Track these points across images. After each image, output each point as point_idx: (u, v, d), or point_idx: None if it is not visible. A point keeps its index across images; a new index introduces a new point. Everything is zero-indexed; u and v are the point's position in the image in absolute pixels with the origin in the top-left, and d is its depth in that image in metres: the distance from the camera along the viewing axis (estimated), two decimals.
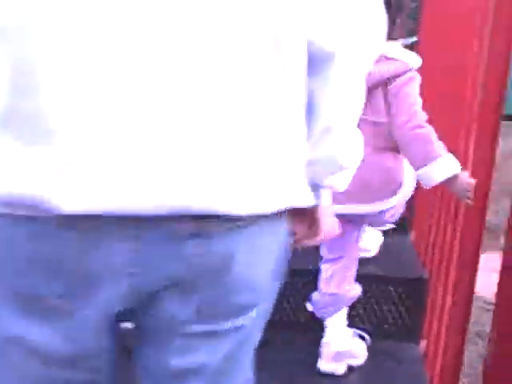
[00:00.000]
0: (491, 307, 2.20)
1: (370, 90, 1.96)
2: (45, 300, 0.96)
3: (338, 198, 1.64)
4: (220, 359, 1.08)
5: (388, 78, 2.07)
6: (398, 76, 2.07)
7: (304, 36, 0.98)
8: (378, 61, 1.95)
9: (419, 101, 2.08)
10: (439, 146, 2.04)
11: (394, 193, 2.17)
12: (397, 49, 2.09)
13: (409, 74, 2.08)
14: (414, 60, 2.10)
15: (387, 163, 2.15)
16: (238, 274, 1.00)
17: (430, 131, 2.04)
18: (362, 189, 2.03)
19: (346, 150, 1.12)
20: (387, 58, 2.05)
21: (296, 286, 2.39)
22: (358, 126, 1.50)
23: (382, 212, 2.19)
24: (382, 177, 2.15)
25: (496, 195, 2.82)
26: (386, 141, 2.12)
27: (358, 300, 2.30)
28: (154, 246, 0.94)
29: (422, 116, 2.06)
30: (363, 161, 1.52)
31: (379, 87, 2.07)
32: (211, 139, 0.93)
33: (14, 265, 0.94)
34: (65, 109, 0.88)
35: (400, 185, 2.17)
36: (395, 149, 2.14)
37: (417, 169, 2.08)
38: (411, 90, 2.08)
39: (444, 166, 2.06)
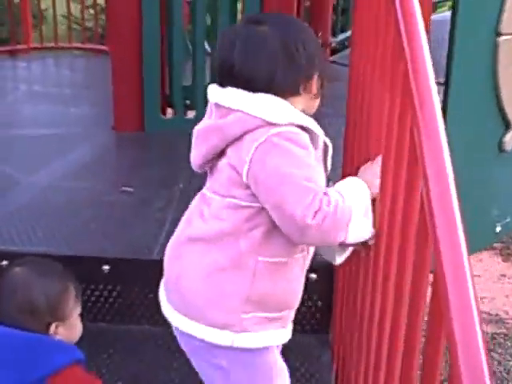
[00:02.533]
0: None
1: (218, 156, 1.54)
2: None
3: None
4: None
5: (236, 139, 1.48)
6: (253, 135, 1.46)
7: None
8: (222, 115, 1.52)
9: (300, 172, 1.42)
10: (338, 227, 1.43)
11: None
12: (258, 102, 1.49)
13: (272, 134, 1.44)
14: (282, 113, 1.47)
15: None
16: None
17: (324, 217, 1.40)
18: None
19: None
20: (231, 110, 1.50)
21: None
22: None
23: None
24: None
25: None
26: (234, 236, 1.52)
27: None
28: None
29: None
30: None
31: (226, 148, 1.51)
32: None
33: None
34: None
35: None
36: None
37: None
38: (278, 159, 1.43)
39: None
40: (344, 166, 2.05)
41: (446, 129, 2.24)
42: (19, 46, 5.51)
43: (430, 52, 2.38)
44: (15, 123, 3.78)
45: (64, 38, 5.66)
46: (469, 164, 2.36)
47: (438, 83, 2.60)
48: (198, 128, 1.59)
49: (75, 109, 4.05)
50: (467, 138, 2.34)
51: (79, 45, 5.58)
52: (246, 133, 1.45)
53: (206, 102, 2.91)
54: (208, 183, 1.60)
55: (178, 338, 1.65)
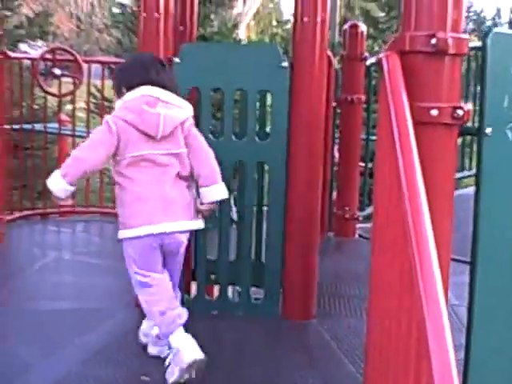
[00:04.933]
0: None
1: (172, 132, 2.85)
2: None
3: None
4: None
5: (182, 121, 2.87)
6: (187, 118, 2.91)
7: None
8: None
9: None
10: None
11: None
12: (177, 98, 2.90)
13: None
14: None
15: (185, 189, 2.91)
16: None
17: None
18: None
19: None
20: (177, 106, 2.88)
21: None
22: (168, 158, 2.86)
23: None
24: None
25: None
26: (183, 169, 2.89)
27: None
28: None
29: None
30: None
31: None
32: None
33: None
34: None
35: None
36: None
37: (207, 185, 2.93)
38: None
39: (223, 188, 2.99)
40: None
41: (473, 322, 2.16)
42: (50, 210, 5.64)
43: (456, 228, 2.36)
44: (37, 296, 3.77)
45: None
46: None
47: (464, 261, 2.55)
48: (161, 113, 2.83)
49: (101, 280, 4.05)
50: (498, 337, 2.24)
51: (109, 210, 5.69)
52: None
53: (229, 279, 3.62)
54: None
55: (173, 241, 2.86)
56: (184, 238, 2.90)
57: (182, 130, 2.86)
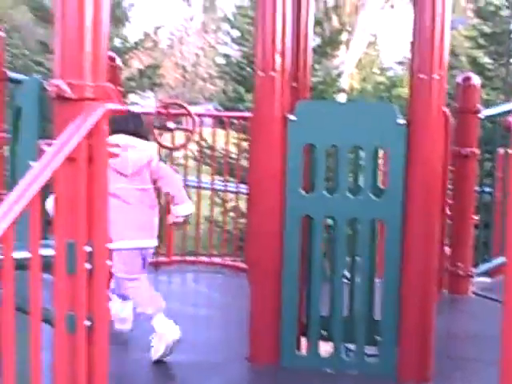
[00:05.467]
0: None
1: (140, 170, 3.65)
2: None
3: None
4: None
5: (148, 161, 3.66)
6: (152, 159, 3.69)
7: None
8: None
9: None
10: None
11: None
12: (142, 143, 3.71)
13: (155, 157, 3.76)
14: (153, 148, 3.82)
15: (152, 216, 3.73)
16: None
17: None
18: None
19: None
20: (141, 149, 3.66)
21: None
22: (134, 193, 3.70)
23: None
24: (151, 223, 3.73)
25: None
26: (150, 200, 3.72)
27: None
28: None
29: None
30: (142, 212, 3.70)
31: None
32: None
33: None
34: None
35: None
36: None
37: (179, 204, 3.75)
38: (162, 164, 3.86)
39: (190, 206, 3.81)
40: None
41: None
42: (161, 259, 5.76)
43: None
44: (149, 347, 3.81)
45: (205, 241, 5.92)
46: None
47: None
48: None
49: (209, 332, 4.08)
50: None
51: (218, 260, 5.76)
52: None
53: (343, 333, 3.44)
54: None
55: (145, 253, 3.78)
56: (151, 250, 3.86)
57: (150, 168, 3.67)
